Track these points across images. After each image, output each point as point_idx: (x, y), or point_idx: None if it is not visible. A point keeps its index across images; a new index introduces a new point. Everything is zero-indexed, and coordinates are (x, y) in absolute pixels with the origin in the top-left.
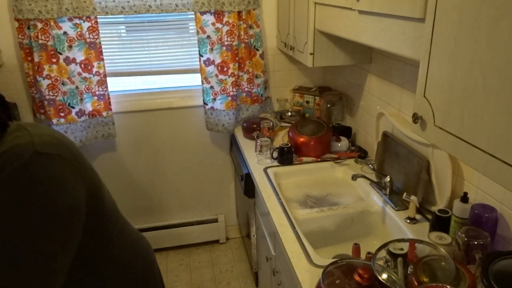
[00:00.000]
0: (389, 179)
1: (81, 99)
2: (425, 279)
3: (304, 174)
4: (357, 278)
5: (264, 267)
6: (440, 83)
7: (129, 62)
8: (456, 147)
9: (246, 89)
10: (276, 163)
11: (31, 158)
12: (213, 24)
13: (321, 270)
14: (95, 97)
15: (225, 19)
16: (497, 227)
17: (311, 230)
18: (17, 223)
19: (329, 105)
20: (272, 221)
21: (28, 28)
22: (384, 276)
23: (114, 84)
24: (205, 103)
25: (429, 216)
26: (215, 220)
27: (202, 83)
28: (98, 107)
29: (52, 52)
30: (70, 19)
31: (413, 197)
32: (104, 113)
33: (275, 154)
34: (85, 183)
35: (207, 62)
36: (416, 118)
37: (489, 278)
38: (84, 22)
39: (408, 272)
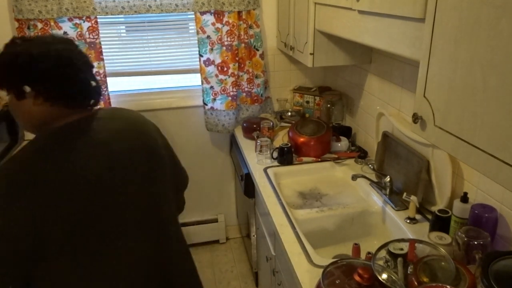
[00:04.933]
0: (389, 179)
1: None
2: (425, 279)
3: (304, 174)
4: (357, 278)
5: (264, 267)
6: (440, 83)
7: (129, 62)
8: (456, 147)
9: (246, 89)
10: (276, 163)
11: None
12: (213, 24)
13: (321, 270)
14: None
15: (225, 19)
16: (497, 227)
17: (311, 230)
18: None
19: (329, 105)
20: (272, 221)
21: (28, 28)
22: (384, 276)
23: (114, 84)
24: (205, 103)
25: (429, 216)
26: (215, 220)
27: (202, 83)
28: (98, 107)
29: None
30: (70, 19)
31: (413, 197)
32: None
33: (275, 154)
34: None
35: (207, 62)
36: (416, 118)
37: (489, 278)
38: (84, 22)
39: (408, 272)
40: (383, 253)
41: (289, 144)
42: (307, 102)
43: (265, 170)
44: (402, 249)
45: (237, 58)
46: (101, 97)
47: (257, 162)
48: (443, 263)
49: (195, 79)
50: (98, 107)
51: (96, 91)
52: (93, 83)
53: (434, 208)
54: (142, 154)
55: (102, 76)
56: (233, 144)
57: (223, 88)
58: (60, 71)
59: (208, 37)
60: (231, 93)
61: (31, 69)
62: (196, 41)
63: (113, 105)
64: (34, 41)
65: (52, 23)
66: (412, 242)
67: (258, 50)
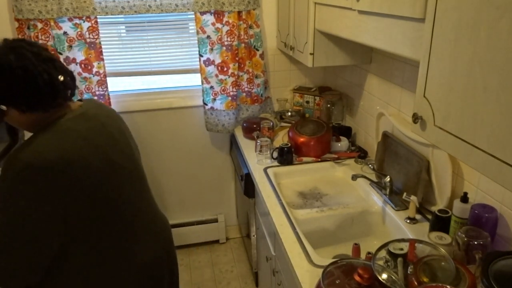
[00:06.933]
0: (389, 179)
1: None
2: (425, 279)
3: (304, 174)
4: (357, 278)
5: (264, 267)
6: (440, 83)
7: (129, 62)
8: (456, 147)
9: (246, 89)
10: (276, 163)
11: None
12: (213, 24)
13: (321, 270)
14: (95, 97)
15: (225, 19)
16: (497, 227)
17: (311, 230)
18: None
19: (329, 105)
20: (272, 221)
21: (28, 28)
22: (384, 276)
23: (114, 84)
24: (205, 103)
25: (429, 216)
26: (215, 220)
27: (202, 83)
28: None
29: (52, 52)
30: (70, 19)
31: (413, 197)
32: None
33: (275, 154)
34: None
35: (207, 62)
36: (416, 118)
37: (489, 278)
38: (84, 22)
39: (408, 272)
40: (383, 253)
41: (289, 144)
42: (307, 102)
43: (265, 170)
44: (402, 249)
45: (237, 58)
46: (76, 86)
47: (257, 162)
48: (443, 263)
49: (195, 79)
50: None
51: (66, 85)
52: (61, 78)
53: (434, 208)
54: (124, 136)
55: (102, 76)
56: (233, 144)
57: (223, 88)
58: (17, 81)
59: (208, 37)
60: (231, 93)
61: None
62: (196, 41)
63: (113, 105)
64: None
65: (52, 23)
66: (412, 242)
67: (258, 50)
